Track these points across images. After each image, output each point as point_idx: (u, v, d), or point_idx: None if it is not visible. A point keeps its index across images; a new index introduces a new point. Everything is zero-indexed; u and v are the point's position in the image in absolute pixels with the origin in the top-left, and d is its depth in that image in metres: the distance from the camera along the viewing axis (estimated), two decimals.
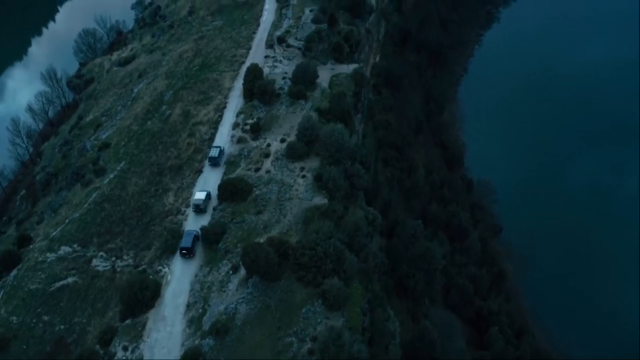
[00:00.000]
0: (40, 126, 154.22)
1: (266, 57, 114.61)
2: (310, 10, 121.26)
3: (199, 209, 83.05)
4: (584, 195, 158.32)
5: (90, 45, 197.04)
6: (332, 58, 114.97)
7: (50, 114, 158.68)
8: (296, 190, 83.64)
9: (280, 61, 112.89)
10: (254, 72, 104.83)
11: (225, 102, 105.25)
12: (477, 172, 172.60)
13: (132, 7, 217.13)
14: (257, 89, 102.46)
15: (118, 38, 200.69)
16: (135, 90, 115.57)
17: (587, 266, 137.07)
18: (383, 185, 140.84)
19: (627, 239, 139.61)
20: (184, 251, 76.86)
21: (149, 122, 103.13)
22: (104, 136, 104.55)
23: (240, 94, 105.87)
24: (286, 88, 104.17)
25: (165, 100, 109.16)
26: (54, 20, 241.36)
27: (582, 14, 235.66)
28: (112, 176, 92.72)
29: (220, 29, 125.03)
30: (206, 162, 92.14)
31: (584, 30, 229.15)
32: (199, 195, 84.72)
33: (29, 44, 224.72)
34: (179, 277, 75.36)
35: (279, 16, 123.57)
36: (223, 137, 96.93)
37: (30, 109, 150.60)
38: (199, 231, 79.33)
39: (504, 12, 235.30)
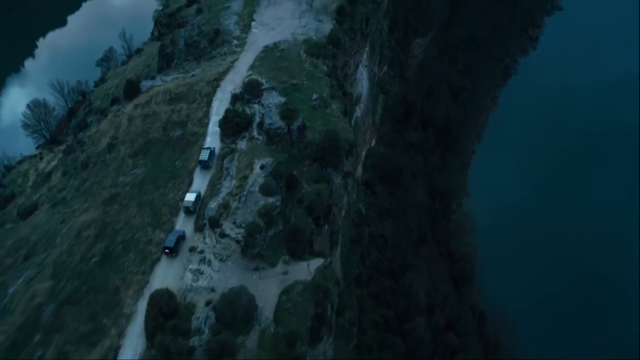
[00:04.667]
0: None
1: (191, 249, 73.48)
2: (262, 168, 78.87)
3: (189, 211, 76.67)
4: None
5: (40, 119, 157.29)
6: (286, 252, 73.37)
7: None
8: None
9: (209, 262, 71.63)
10: (161, 305, 64.21)
11: (119, 346, 65.08)
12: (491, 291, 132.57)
13: (97, 64, 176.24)
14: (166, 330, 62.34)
15: (78, 105, 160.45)
16: (10, 291, 75.63)
17: None
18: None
19: None
20: (166, 250, 72.28)
21: None
22: None
23: (142, 331, 65.58)
24: (206, 331, 63.46)
25: (42, 322, 69.44)
26: None
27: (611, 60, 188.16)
28: None
29: (140, 184, 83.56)
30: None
31: (612, 82, 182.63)
32: (189, 197, 77.45)
33: None
34: None
35: (220, 169, 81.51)
36: None
37: None
38: (184, 231, 74.72)
39: (523, 63, 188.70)
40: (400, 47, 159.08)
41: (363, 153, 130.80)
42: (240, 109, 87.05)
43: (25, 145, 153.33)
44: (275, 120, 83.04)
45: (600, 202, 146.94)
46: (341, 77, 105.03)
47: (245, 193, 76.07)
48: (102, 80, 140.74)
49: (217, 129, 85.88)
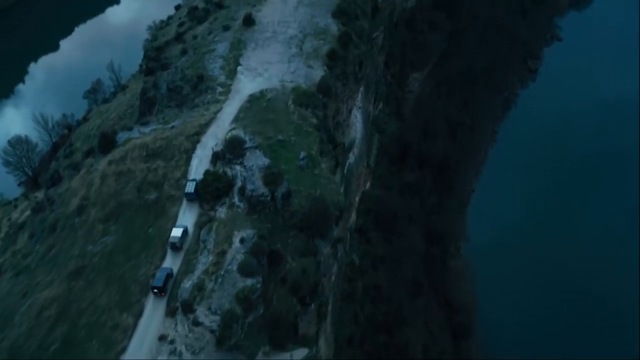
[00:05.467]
0: None
1: (161, 338, 64.74)
2: (242, 241, 70.18)
3: (175, 247, 71.46)
4: None
5: (22, 156, 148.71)
6: (266, 341, 64.67)
7: None
8: None
9: (180, 354, 62.84)
10: None
11: None
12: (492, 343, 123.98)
13: (84, 96, 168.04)
14: None
15: (63, 140, 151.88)
16: None
17: None
18: None
19: None
20: (155, 290, 67.38)
21: None
22: None
23: None
24: None
25: None
26: None
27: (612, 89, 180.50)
28: None
29: (109, 255, 74.85)
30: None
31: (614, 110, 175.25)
32: (176, 232, 72.32)
33: None
34: None
35: (196, 241, 72.84)
36: None
37: None
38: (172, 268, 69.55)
39: (522, 95, 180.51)
40: (396, 82, 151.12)
41: (357, 199, 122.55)
42: (221, 170, 78.66)
43: (6, 184, 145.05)
44: (258, 185, 74.63)
45: (600, 235, 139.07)
46: (332, 127, 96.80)
47: (222, 272, 67.44)
48: (85, 119, 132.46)
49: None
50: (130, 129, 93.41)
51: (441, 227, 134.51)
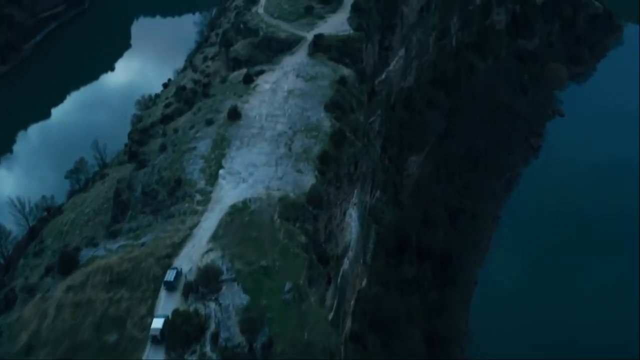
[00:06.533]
0: None
1: None
2: None
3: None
4: None
5: None
6: None
7: None
8: None
9: None
10: None
11: None
12: None
13: (66, 176, 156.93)
14: None
15: (40, 225, 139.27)
16: None
17: None
18: None
19: None
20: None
21: None
22: None
23: None
24: None
25: None
26: None
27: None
28: None
29: None
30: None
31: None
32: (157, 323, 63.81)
33: None
34: None
35: None
36: None
37: None
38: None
39: (525, 172, 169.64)
40: (394, 166, 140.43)
41: (352, 302, 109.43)
42: (193, 308, 65.84)
43: None
44: (233, 333, 61.90)
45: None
46: (324, 240, 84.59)
47: None
48: (60, 210, 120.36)
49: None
50: (95, 245, 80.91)
51: (443, 328, 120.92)
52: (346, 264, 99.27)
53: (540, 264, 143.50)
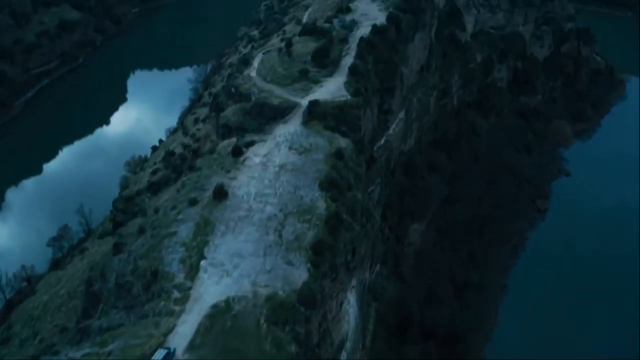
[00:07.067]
0: None
1: None
2: None
3: None
4: None
5: None
6: None
7: None
8: None
9: None
10: None
11: None
12: None
13: (48, 244, 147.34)
14: None
15: (18, 297, 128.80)
16: None
17: None
18: None
19: None
20: None
21: None
22: None
23: None
24: None
25: None
26: None
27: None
28: None
29: None
30: None
31: None
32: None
33: None
34: None
35: None
36: None
37: None
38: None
39: (532, 236, 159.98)
40: (394, 235, 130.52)
41: None
42: None
43: None
44: None
45: None
46: (317, 343, 74.07)
47: None
48: (32, 291, 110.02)
49: None
50: (56, 353, 70.39)
51: None
52: (344, 356, 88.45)
53: (552, 335, 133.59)
